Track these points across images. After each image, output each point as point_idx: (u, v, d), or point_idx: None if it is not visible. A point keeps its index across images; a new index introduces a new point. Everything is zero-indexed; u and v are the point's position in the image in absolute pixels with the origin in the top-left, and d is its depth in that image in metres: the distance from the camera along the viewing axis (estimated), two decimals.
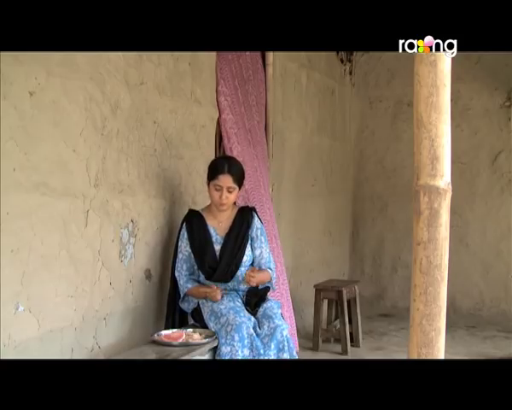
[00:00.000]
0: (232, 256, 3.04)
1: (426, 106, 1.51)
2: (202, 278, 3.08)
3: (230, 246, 3.06)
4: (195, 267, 3.09)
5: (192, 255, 3.07)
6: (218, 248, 3.07)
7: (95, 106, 2.75)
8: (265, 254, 3.14)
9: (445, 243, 1.53)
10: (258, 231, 3.12)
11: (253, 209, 3.21)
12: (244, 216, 3.11)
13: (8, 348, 2.32)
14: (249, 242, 3.11)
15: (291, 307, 4.04)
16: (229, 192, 3.01)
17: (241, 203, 3.66)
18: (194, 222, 3.09)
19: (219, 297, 2.95)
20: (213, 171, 3.04)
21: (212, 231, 3.09)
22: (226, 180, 3.00)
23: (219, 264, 3.03)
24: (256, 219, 3.14)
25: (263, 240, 3.13)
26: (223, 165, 3.03)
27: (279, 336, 2.80)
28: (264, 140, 4.33)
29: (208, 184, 3.07)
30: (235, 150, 3.80)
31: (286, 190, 4.83)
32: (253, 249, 3.11)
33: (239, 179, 3.06)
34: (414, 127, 1.55)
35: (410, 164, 1.56)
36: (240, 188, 3.10)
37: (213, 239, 3.08)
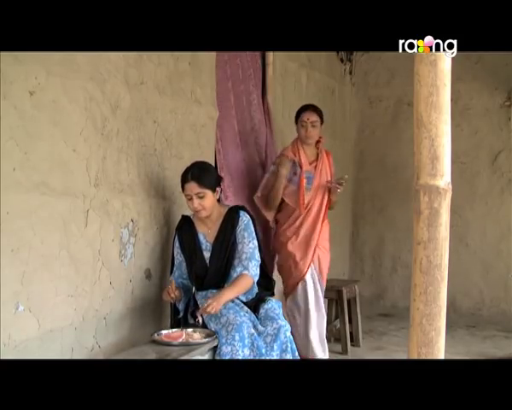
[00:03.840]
0: (220, 261, 3.02)
1: (426, 106, 1.51)
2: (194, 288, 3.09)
3: (217, 251, 3.03)
4: (187, 275, 3.09)
5: (184, 263, 3.08)
6: (207, 255, 3.05)
7: (95, 106, 2.75)
8: (246, 249, 3.00)
9: (445, 243, 1.53)
10: (242, 227, 3.04)
11: (239, 208, 3.14)
12: (230, 218, 3.06)
13: (8, 348, 2.32)
14: (237, 242, 3.05)
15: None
16: (201, 198, 2.94)
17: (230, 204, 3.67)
18: (185, 230, 3.07)
19: (165, 298, 2.95)
20: (181, 182, 3.02)
21: (201, 238, 3.08)
22: (192, 188, 2.94)
23: (208, 271, 3.02)
24: (241, 217, 3.06)
25: (245, 235, 3.03)
26: (186, 174, 2.98)
27: (282, 337, 2.79)
28: (260, 140, 4.31)
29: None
30: (222, 153, 3.83)
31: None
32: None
33: (207, 183, 2.96)
34: (414, 127, 1.55)
35: (410, 164, 1.56)
36: (215, 190, 3.00)
37: (203, 247, 3.06)
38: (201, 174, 2.97)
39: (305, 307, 3.75)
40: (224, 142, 3.85)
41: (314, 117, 3.82)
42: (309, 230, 3.81)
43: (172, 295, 2.89)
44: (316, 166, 3.87)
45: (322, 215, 3.85)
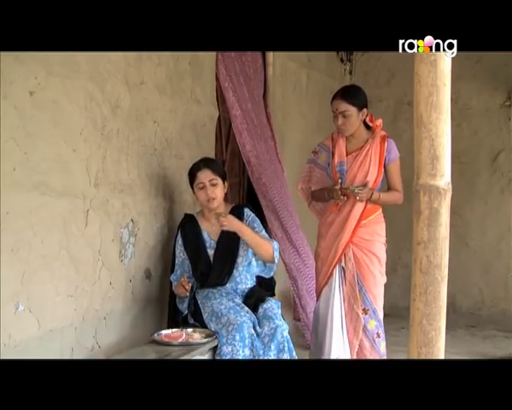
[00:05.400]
0: (225, 259, 3.04)
1: (426, 105, 1.51)
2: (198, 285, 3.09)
3: (222, 249, 3.05)
4: (191, 273, 3.09)
5: (187, 261, 3.08)
6: (211, 252, 3.06)
7: (95, 106, 2.75)
8: (262, 234, 3.06)
9: (445, 243, 1.53)
10: (249, 219, 3.09)
11: (243, 206, 3.20)
12: (235, 215, 3.07)
13: (8, 348, 2.32)
14: (244, 241, 3.06)
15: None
16: (213, 185, 3.01)
17: (260, 197, 3.69)
18: (189, 228, 3.09)
19: (181, 292, 2.94)
20: (191, 174, 3.08)
21: (205, 235, 3.10)
22: (206, 175, 3.02)
23: (212, 269, 3.03)
24: (246, 213, 3.11)
25: (255, 226, 3.08)
26: (198, 164, 3.09)
27: (279, 336, 2.79)
28: (270, 136, 4.35)
29: (194, 191, 3.09)
30: (248, 145, 3.83)
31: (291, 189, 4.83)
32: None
33: (219, 171, 3.07)
34: (414, 127, 1.55)
35: (410, 164, 1.56)
36: (224, 181, 3.08)
37: (207, 244, 3.09)
38: (212, 163, 3.14)
39: (325, 320, 3.24)
40: (250, 133, 3.87)
41: (343, 106, 3.18)
42: (337, 229, 3.24)
43: (187, 287, 2.90)
44: (356, 157, 3.24)
45: (357, 213, 3.20)
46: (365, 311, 3.22)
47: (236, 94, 3.85)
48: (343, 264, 3.25)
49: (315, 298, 3.49)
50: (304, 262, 4.17)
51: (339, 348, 3.21)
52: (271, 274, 3.16)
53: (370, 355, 3.20)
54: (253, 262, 3.10)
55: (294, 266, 4.11)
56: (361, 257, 3.23)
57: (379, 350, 3.21)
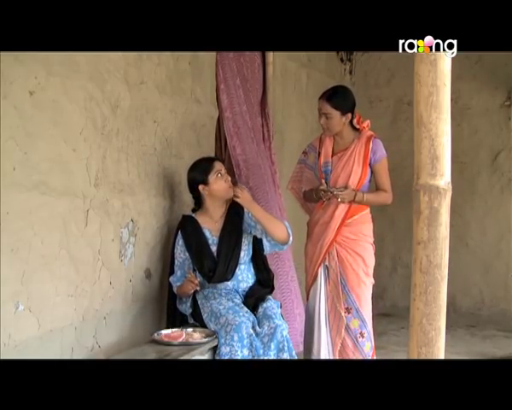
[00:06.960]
0: (229, 254, 3.04)
1: (426, 105, 1.51)
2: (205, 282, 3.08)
3: (225, 244, 3.06)
4: (196, 272, 3.08)
5: (188, 261, 3.08)
6: (214, 249, 3.07)
7: (95, 105, 2.75)
8: None
9: (445, 243, 1.53)
10: (250, 214, 3.07)
11: None
12: (235, 210, 3.09)
13: (8, 347, 2.32)
14: (246, 235, 3.09)
15: (301, 304, 3.90)
16: (228, 174, 3.12)
17: None
18: (189, 228, 3.09)
19: (191, 288, 2.92)
20: (206, 167, 3.08)
21: (207, 233, 3.10)
22: (221, 165, 3.12)
23: (218, 264, 3.03)
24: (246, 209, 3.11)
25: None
26: (209, 158, 3.20)
27: (279, 336, 2.79)
28: (264, 138, 4.34)
29: (206, 184, 3.06)
30: (238, 148, 3.83)
31: (285, 190, 4.82)
32: (254, 234, 3.09)
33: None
34: (414, 127, 1.55)
35: (410, 164, 1.57)
36: None
37: (210, 241, 3.09)
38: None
39: (313, 319, 3.24)
40: (240, 137, 3.87)
41: (326, 108, 3.21)
42: (322, 228, 3.22)
43: (196, 282, 2.91)
44: (341, 157, 3.21)
45: (341, 213, 3.18)
46: (348, 310, 3.21)
47: (231, 96, 3.84)
48: (327, 263, 3.23)
49: (286, 307, 3.52)
50: (283, 267, 4.13)
51: (326, 346, 3.21)
52: (285, 249, 3.18)
53: (353, 355, 3.18)
54: (265, 242, 3.08)
55: (274, 272, 4.07)
56: (345, 256, 3.22)
57: (362, 350, 3.18)
